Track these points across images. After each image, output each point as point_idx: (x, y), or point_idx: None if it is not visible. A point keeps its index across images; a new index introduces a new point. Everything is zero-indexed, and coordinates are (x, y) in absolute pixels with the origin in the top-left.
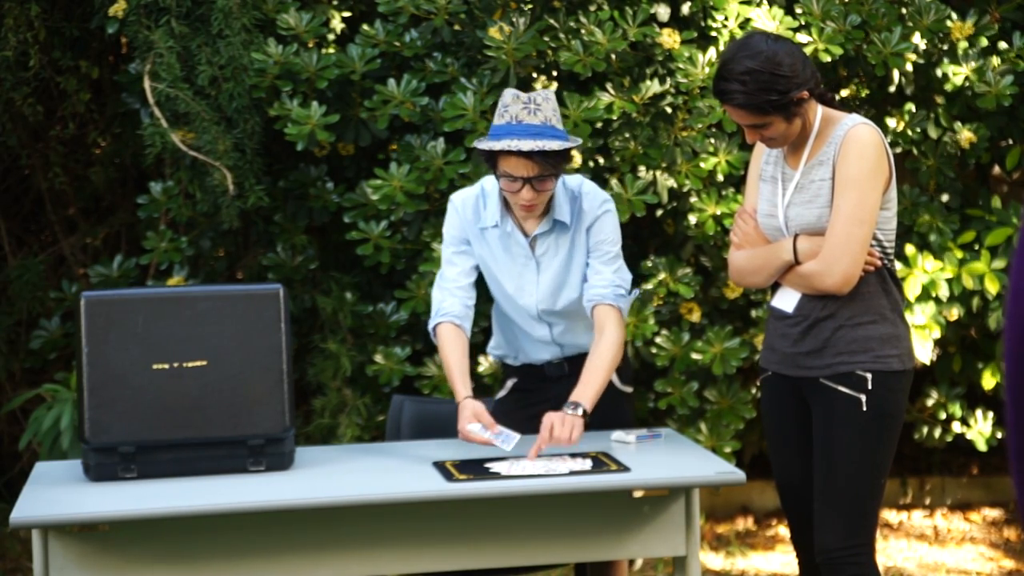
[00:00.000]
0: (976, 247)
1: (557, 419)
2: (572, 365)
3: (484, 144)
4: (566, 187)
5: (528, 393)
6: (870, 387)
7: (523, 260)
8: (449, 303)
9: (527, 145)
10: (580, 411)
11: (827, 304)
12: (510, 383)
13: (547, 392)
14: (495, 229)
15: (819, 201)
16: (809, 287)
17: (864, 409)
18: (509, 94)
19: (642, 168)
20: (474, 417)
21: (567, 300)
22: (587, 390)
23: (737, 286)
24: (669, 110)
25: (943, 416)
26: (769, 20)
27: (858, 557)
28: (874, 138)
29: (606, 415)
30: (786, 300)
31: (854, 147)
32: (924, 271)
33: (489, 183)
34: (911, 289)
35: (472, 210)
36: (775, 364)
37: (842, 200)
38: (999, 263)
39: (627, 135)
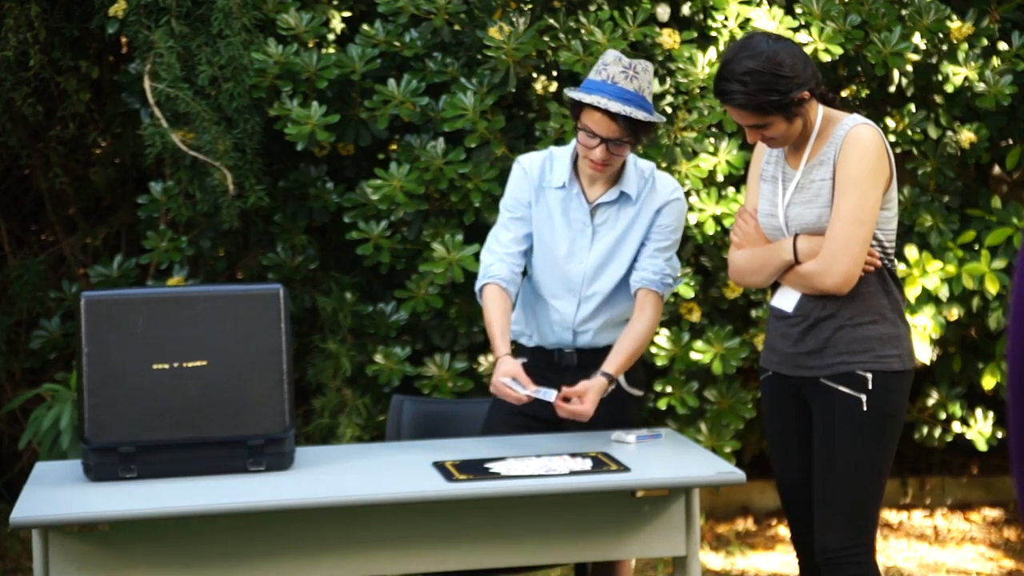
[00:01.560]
0: (976, 247)
1: (593, 392)
2: (582, 358)
3: (575, 94)
4: (637, 166)
5: (533, 377)
6: (870, 387)
7: (579, 226)
8: (497, 267)
9: (615, 107)
10: (608, 380)
11: (827, 304)
12: (521, 361)
13: (553, 382)
14: (559, 190)
15: (819, 201)
16: (809, 287)
17: (864, 409)
18: (611, 54)
19: None
20: (510, 374)
21: (611, 279)
22: (617, 357)
23: (737, 286)
24: (669, 110)
25: (943, 416)
26: (769, 20)
27: (858, 557)
28: (875, 138)
29: (611, 417)
30: (786, 300)
31: (855, 147)
32: (924, 271)
33: (559, 150)
34: (911, 289)
35: (539, 169)
36: (775, 364)
37: (842, 200)
38: (999, 263)
39: None
